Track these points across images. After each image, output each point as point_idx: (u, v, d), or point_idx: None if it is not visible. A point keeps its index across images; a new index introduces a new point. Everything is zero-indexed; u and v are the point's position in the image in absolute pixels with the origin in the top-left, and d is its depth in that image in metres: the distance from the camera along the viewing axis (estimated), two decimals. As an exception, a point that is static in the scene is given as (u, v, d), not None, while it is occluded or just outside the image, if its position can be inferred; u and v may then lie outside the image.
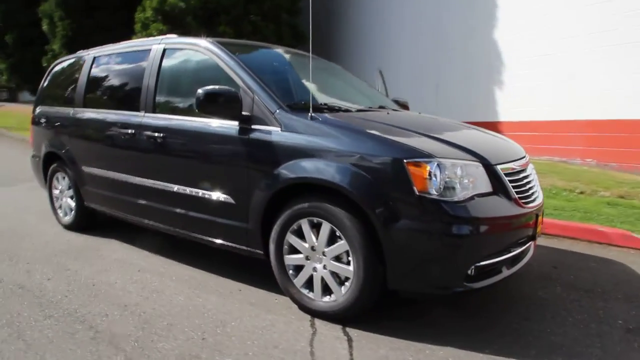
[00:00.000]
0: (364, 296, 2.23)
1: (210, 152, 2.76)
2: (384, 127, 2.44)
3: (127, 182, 3.31)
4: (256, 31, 8.56)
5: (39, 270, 3.20)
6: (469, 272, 2.10)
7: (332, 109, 2.71)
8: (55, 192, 4.28)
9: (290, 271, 2.52)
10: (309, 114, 2.42)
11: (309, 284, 2.47)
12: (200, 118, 2.82)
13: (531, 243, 2.48)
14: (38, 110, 4.47)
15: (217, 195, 2.74)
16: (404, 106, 3.73)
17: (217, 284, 2.91)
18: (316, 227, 2.38)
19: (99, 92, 3.74)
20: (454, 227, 2.04)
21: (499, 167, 2.26)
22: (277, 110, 2.50)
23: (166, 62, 3.13)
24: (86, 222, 4.09)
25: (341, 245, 2.27)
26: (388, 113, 2.94)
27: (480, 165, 2.21)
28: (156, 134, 3.02)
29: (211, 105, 2.53)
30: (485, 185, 2.19)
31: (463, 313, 2.50)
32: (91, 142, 3.67)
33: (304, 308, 2.47)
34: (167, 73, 3.12)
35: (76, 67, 4.08)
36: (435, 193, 2.07)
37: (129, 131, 3.22)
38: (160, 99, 3.12)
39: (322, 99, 2.91)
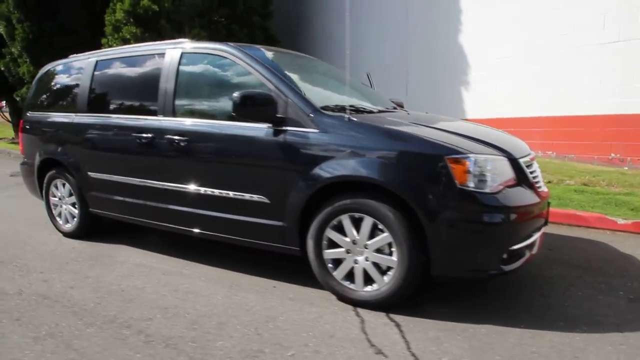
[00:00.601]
0: (408, 284, 2.33)
1: (242, 153, 2.75)
2: (415, 127, 2.55)
3: (143, 186, 3.21)
4: (230, 34, 8.42)
5: (57, 279, 3.04)
6: (504, 255, 2.26)
7: (357, 111, 2.78)
8: (54, 199, 4.05)
9: (330, 265, 2.57)
10: (347, 116, 2.48)
11: (348, 275, 2.54)
12: (228, 121, 2.81)
13: (543, 229, 2.69)
14: (29, 116, 4.19)
15: (249, 196, 2.73)
16: (400, 106, 3.86)
17: (249, 282, 2.90)
18: (355, 222, 2.45)
19: (105, 96, 3.57)
20: (494, 215, 2.19)
21: (521, 161, 2.44)
22: (313, 113, 2.54)
23: (185, 67, 3.06)
24: (89, 228, 3.91)
25: (384, 237, 2.35)
26: (409, 114, 3.06)
27: (506, 159, 2.37)
28: (179, 138, 2.96)
29: (247, 108, 2.53)
30: (511, 177, 2.35)
31: (486, 295, 2.66)
32: (99, 148, 3.51)
33: (345, 299, 2.54)
34: (186, 77, 3.06)
35: (74, 71, 3.87)
36: (473, 186, 2.20)
37: (146, 135, 3.12)
38: (180, 103, 3.05)
39: (343, 100, 2.97)
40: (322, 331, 2.26)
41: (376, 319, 2.37)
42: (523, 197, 2.34)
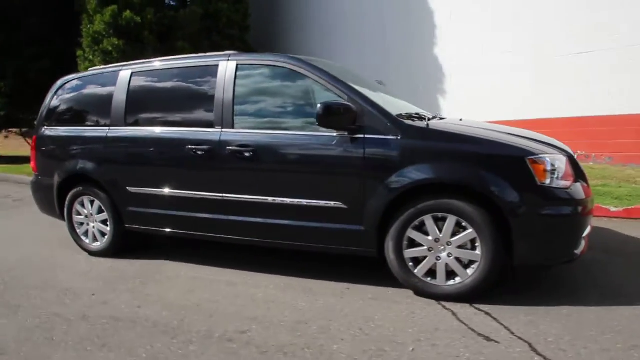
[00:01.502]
0: (492, 275, 2.43)
1: (317, 162, 2.71)
2: (483, 131, 2.67)
3: (199, 199, 3.06)
4: (213, 46, 8.19)
5: (116, 300, 2.80)
6: (575, 244, 2.43)
7: (421, 118, 2.85)
8: (79, 218, 3.71)
9: (410, 264, 2.61)
10: (426, 122, 2.55)
11: (428, 272, 2.59)
12: (298, 131, 2.77)
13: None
14: (45, 131, 3.82)
15: (324, 203, 2.70)
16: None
17: (320, 287, 2.85)
18: (437, 221, 2.51)
19: (145, 109, 3.34)
20: (570, 208, 2.36)
21: (575, 158, 2.64)
22: (391, 120, 2.58)
23: (242, 78, 2.97)
24: (122, 246, 3.63)
25: (469, 234, 2.43)
26: (461, 120, 3.18)
27: (566, 157, 2.55)
28: (243, 149, 2.86)
29: (329, 117, 2.52)
30: (572, 174, 2.53)
31: (546, 283, 2.78)
32: (142, 162, 3.29)
33: (427, 294, 2.58)
34: (245, 89, 2.96)
35: (102, 84, 3.59)
36: (550, 183, 2.36)
37: (204, 147, 2.98)
38: (240, 114, 2.95)
39: (400, 107, 3.02)
40: (424, 325, 2.29)
41: (465, 310, 2.44)
42: (584, 191, 2.52)
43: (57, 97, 3.84)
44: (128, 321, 2.51)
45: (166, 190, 3.20)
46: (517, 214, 2.33)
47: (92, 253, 3.71)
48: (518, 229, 2.35)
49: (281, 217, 2.85)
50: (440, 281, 2.56)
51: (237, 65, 3.00)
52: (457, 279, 2.52)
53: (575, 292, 2.62)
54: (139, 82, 3.37)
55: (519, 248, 2.38)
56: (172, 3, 8.60)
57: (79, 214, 3.72)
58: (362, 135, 2.59)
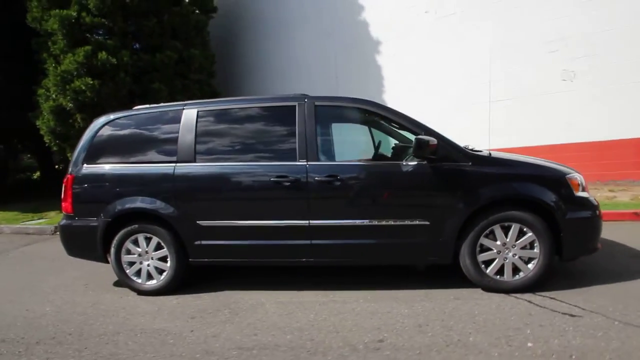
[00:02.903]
0: (547, 268, 2.84)
1: (403, 186, 2.90)
2: (524, 158, 3.16)
3: (285, 227, 2.99)
4: (185, 89, 7.84)
5: (223, 333, 2.57)
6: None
7: (475, 150, 3.21)
8: (130, 257, 3.28)
9: (482, 266, 2.91)
10: (488, 152, 2.94)
11: (496, 271, 2.91)
12: (383, 161, 2.96)
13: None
14: (87, 171, 3.33)
15: (410, 221, 2.89)
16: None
17: (404, 295, 2.96)
18: (503, 229, 2.87)
19: (218, 146, 3.15)
20: (595, 211, 2.91)
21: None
22: (462, 151, 2.92)
23: (323, 117, 3.07)
24: (181, 281, 3.30)
25: (529, 237, 2.83)
26: (490, 151, 3.65)
27: (579, 175, 3.15)
28: (332, 178, 2.92)
29: (420, 149, 2.76)
30: (587, 187, 3.13)
31: (570, 270, 3.23)
32: (219, 195, 3.09)
33: (498, 289, 2.88)
34: (326, 126, 3.07)
35: (159, 122, 3.30)
36: (581, 194, 2.90)
37: (290, 178, 2.96)
38: (323, 148, 3.03)
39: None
40: (518, 314, 2.56)
41: (534, 298, 2.79)
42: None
43: (100, 135, 3.41)
44: (260, 349, 2.34)
45: (246, 221, 3.05)
46: (565, 219, 2.81)
47: (144, 292, 3.29)
48: (566, 230, 2.82)
49: (368, 237, 2.94)
50: (507, 277, 2.89)
51: (316, 105, 3.08)
52: (521, 274, 2.88)
53: (598, 275, 3.12)
54: (207, 120, 3.21)
55: (567, 245, 2.85)
56: (137, 47, 8.06)
57: (129, 252, 3.29)
58: (441, 164, 2.88)
